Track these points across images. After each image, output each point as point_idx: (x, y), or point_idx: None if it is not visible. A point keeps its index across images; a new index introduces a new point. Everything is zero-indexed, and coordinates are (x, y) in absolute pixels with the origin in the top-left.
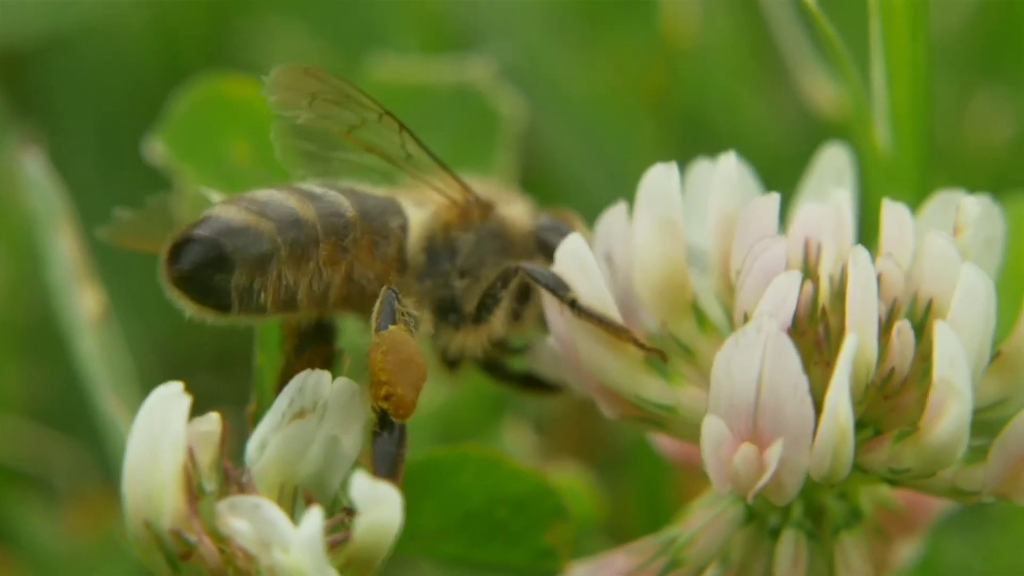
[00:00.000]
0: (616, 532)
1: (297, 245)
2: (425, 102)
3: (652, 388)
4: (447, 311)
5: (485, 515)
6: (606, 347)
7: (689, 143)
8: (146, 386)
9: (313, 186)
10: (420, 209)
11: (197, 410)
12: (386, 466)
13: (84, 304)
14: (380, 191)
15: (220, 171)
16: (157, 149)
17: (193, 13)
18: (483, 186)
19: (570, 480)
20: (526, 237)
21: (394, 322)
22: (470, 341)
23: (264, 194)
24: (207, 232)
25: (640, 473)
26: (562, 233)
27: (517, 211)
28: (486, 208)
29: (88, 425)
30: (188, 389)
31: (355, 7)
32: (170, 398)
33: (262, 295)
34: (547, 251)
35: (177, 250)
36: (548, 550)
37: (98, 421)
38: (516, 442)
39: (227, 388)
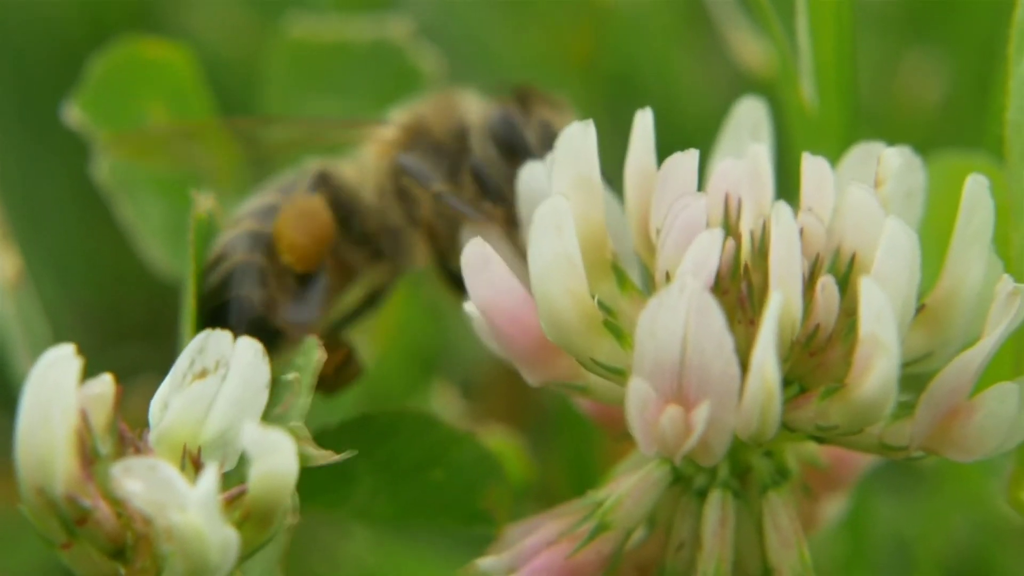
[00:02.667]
0: (545, 496)
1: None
2: (343, 60)
3: (605, 350)
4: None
5: (420, 477)
6: (569, 304)
7: (619, 104)
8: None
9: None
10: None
11: (124, 378)
12: (301, 314)
13: (1, 268)
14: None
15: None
16: (74, 113)
17: None
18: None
19: (499, 444)
20: (482, 137)
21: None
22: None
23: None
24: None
25: (568, 436)
26: (510, 127)
27: (472, 111)
28: (415, 130)
29: (5, 394)
30: (115, 357)
31: None
32: (61, 361)
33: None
34: (501, 147)
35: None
36: (483, 513)
37: (14, 388)
38: (445, 406)
39: (154, 356)
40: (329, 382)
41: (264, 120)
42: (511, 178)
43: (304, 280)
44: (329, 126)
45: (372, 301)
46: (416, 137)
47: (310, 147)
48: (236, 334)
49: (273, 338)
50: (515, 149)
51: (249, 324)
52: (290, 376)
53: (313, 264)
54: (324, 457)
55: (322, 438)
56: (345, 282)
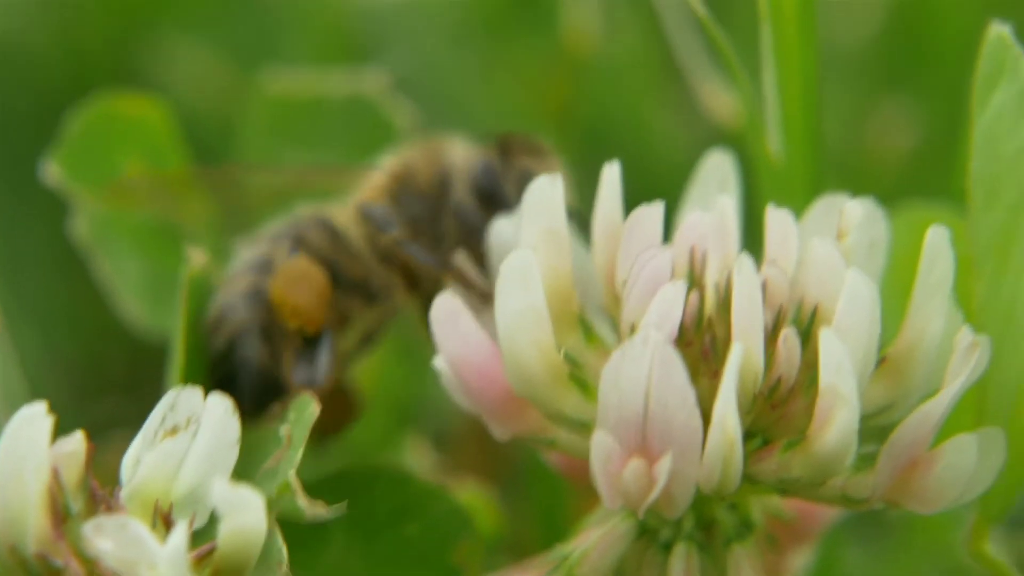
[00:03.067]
0: (516, 549)
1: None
2: (319, 114)
3: (571, 403)
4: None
5: (394, 532)
6: (535, 357)
7: (593, 154)
8: (52, 410)
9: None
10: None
11: (104, 432)
12: (309, 374)
13: None
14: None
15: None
16: (52, 170)
17: (97, 30)
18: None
19: (470, 497)
20: (463, 187)
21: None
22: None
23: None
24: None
25: (538, 489)
26: (490, 178)
27: (457, 158)
28: (401, 177)
29: None
30: (94, 411)
31: (257, 23)
32: (33, 419)
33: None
34: (481, 197)
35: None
36: (456, 568)
37: None
38: (417, 458)
39: (134, 410)
40: (329, 427)
41: (250, 168)
42: (486, 228)
43: (310, 341)
44: (317, 174)
45: (366, 343)
46: (403, 184)
47: (297, 195)
48: (246, 397)
49: (280, 394)
50: (494, 200)
51: (258, 387)
52: (282, 430)
53: (318, 323)
54: (315, 513)
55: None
56: (342, 330)
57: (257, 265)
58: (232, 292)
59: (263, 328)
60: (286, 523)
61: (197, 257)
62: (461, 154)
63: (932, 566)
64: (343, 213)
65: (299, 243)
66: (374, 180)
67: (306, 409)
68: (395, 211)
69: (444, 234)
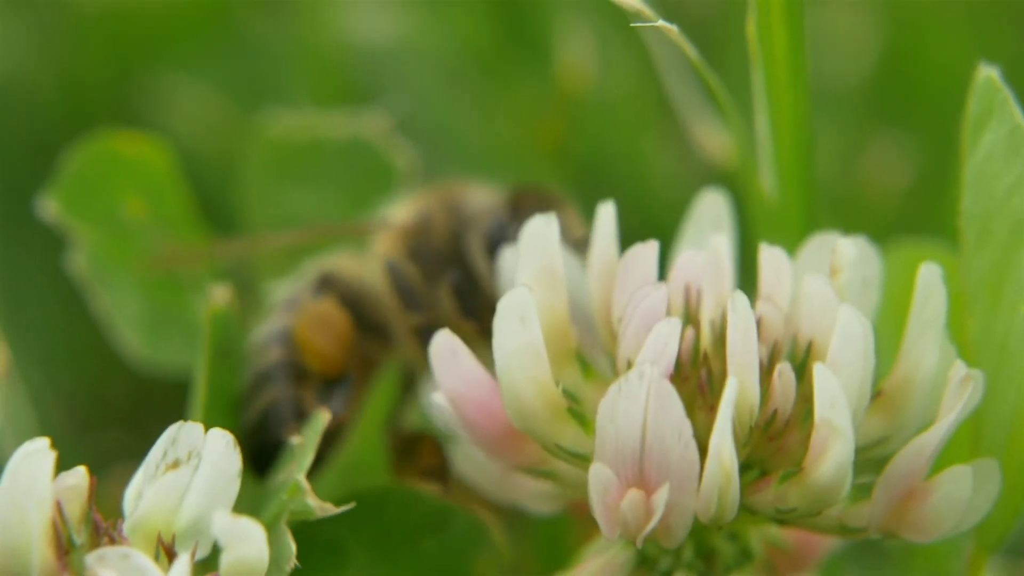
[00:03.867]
0: None
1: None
2: (319, 156)
3: (569, 436)
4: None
5: (412, 549)
6: (534, 392)
7: (589, 191)
8: (55, 443)
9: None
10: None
11: (106, 464)
12: (340, 402)
13: None
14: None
15: (114, 228)
16: (50, 207)
17: (96, 69)
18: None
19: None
20: (478, 247)
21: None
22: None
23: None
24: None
25: (540, 519)
26: (504, 236)
27: (473, 212)
28: (417, 231)
29: None
30: (95, 444)
31: (254, 64)
32: (35, 455)
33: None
34: (494, 259)
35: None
36: None
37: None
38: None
39: (135, 443)
40: (431, 471)
41: (265, 237)
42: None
43: (332, 382)
44: (325, 233)
45: (410, 384)
46: (419, 238)
47: (305, 253)
48: (276, 434)
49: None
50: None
51: (288, 425)
52: (295, 441)
53: (341, 366)
54: (324, 510)
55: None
56: (368, 372)
57: (281, 337)
58: (263, 332)
59: (296, 401)
60: (305, 543)
61: (219, 294)
62: (477, 207)
63: None
64: (356, 259)
65: (325, 284)
66: (392, 233)
67: (318, 420)
68: (409, 264)
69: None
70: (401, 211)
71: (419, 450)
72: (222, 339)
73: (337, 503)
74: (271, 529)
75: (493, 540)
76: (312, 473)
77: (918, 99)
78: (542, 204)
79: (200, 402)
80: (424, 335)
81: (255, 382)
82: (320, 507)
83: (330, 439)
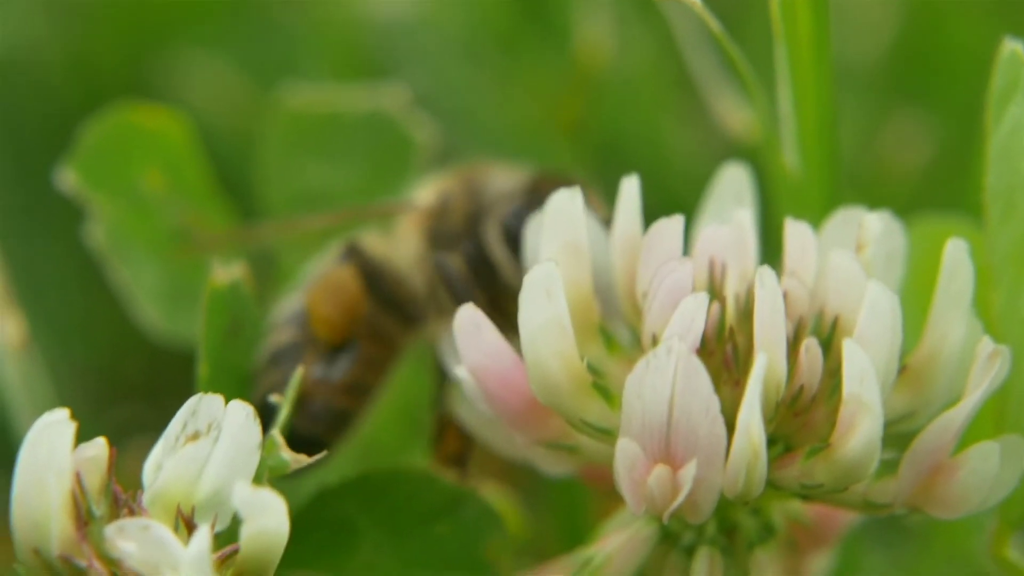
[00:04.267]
0: (536, 552)
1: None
2: (338, 129)
3: (594, 411)
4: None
5: (423, 531)
6: (559, 367)
7: (607, 169)
8: (72, 417)
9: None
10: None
11: (121, 438)
12: (338, 369)
13: (5, 332)
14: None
15: (133, 200)
16: (68, 179)
17: (111, 45)
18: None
19: (492, 501)
20: (496, 234)
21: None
22: None
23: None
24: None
25: (559, 494)
26: (520, 224)
27: (492, 196)
28: (438, 214)
29: (8, 455)
30: (112, 418)
31: (273, 38)
32: (56, 425)
33: None
34: (512, 247)
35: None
36: (487, 565)
37: (16, 448)
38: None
39: (151, 417)
40: (453, 456)
41: (285, 224)
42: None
43: (338, 350)
44: (351, 216)
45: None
46: (437, 220)
47: (331, 234)
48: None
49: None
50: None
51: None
52: (273, 398)
53: (345, 336)
54: (298, 461)
55: (322, 496)
56: (383, 350)
57: (307, 285)
58: (281, 311)
59: (305, 348)
60: (316, 521)
61: (222, 272)
62: (497, 190)
63: (951, 571)
64: (384, 238)
65: (350, 254)
66: (413, 215)
67: (296, 376)
68: (429, 249)
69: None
70: (424, 192)
71: (444, 435)
72: (231, 316)
73: (350, 483)
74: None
75: (505, 526)
76: (325, 455)
77: (938, 76)
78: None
79: (203, 380)
80: None
81: (268, 361)
82: (295, 459)
83: (339, 421)
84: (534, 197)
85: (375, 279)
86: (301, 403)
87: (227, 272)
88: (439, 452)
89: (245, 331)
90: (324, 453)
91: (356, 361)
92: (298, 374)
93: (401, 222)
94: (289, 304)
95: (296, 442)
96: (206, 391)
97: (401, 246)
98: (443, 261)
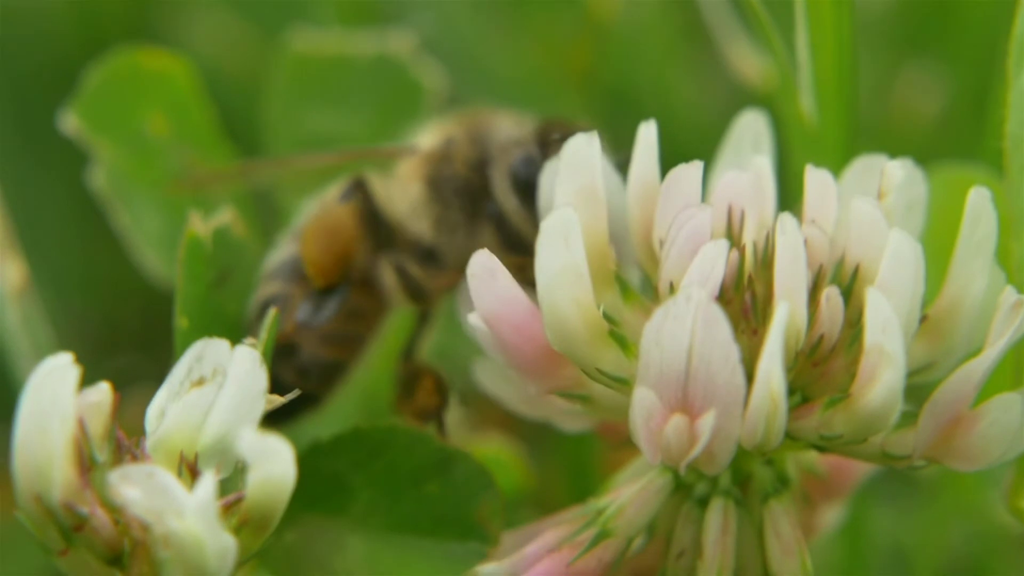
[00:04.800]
0: (543, 503)
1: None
2: (344, 74)
3: (610, 359)
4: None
5: (415, 490)
6: (575, 314)
7: (617, 118)
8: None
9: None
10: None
11: (121, 387)
12: (309, 317)
13: (5, 276)
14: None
15: (136, 144)
16: (71, 122)
17: None
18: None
19: (496, 452)
20: (503, 180)
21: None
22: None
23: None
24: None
25: (566, 444)
26: (532, 175)
27: (500, 142)
28: (440, 159)
29: (7, 401)
30: (111, 367)
31: None
32: (59, 370)
33: None
34: (521, 193)
35: None
36: (478, 526)
37: (17, 394)
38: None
39: (151, 366)
40: (426, 411)
41: (285, 161)
42: (533, 225)
43: (326, 292)
44: (353, 156)
45: (424, 320)
46: (440, 165)
47: (331, 175)
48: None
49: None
50: (532, 192)
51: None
52: (249, 341)
53: (334, 279)
54: (272, 402)
55: (315, 452)
56: (376, 303)
57: (305, 219)
58: (275, 259)
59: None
60: (309, 476)
61: (201, 220)
62: (504, 137)
63: (961, 524)
64: (385, 181)
65: (355, 190)
66: (415, 159)
67: (271, 318)
68: (427, 194)
69: (481, 230)
70: (427, 137)
71: (418, 386)
72: (216, 265)
73: (344, 439)
74: None
75: (497, 487)
76: (311, 409)
77: (950, 25)
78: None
79: (181, 333)
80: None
81: (258, 311)
82: (269, 399)
83: (328, 374)
84: (543, 144)
85: (374, 221)
86: (288, 354)
87: (208, 220)
88: (410, 405)
89: (235, 278)
90: (296, 393)
91: (343, 307)
92: (272, 315)
93: (402, 166)
94: (281, 252)
95: (285, 395)
96: (185, 344)
97: (401, 191)
98: (401, 266)
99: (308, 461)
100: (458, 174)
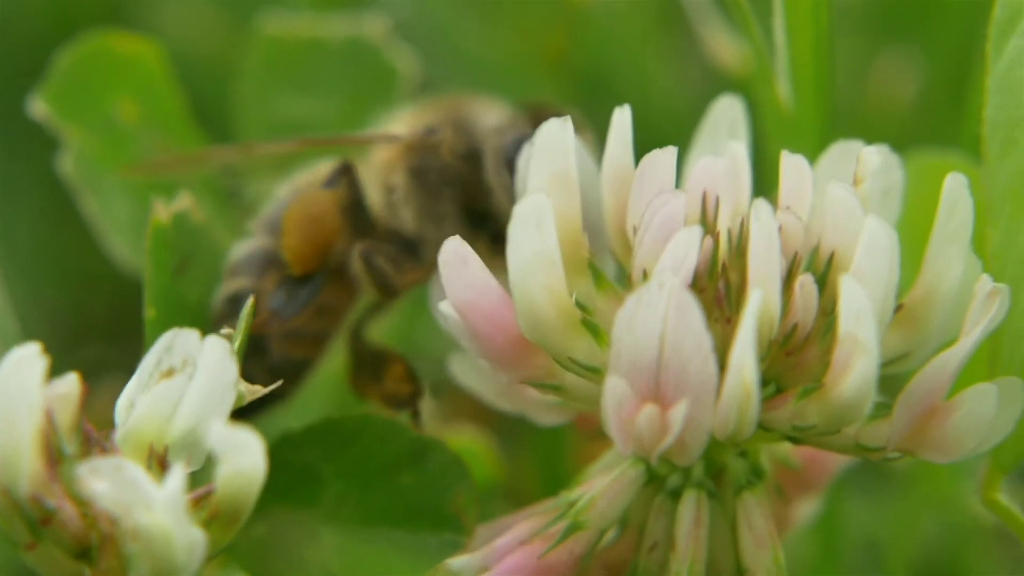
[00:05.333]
0: (515, 495)
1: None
2: (317, 58)
3: (582, 348)
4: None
5: (388, 481)
6: (548, 302)
7: (592, 103)
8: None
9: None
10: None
11: (90, 379)
12: (281, 305)
13: None
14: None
15: (106, 129)
16: (40, 107)
17: None
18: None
19: (468, 443)
20: (496, 163)
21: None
22: None
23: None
24: None
25: (538, 436)
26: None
27: (486, 128)
28: (422, 148)
29: None
30: (80, 358)
31: None
32: (26, 360)
33: None
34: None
35: None
36: (452, 518)
37: None
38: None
39: (120, 356)
40: (397, 397)
41: (252, 146)
42: None
43: (300, 281)
44: (330, 143)
45: (380, 302)
46: (423, 155)
47: (300, 161)
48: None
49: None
50: None
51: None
52: (224, 331)
53: (312, 267)
54: (253, 392)
55: (285, 442)
56: (348, 293)
57: (270, 225)
58: (244, 249)
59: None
60: (279, 466)
61: (164, 206)
62: (488, 123)
63: (934, 516)
64: (364, 168)
65: (343, 174)
66: (393, 147)
67: (247, 308)
68: (411, 184)
69: (477, 217)
70: (402, 124)
71: (386, 372)
72: (178, 252)
73: (315, 429)
74: None
75: (472, 478)
76: (278, 404)
77: (925, 12)
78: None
79: (151, 323)
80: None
81: (225, 306)
82: (250, 390)
83: (298, 372)
84: (536, 126)
85: (358, 210)
86: (258, 353)
87: (170, 206)
88: (379, 390)
89: (195, 266)
90: (266, 391)
91: (315, 300)
92: (249, 306)
93: (378, 155)
94: (250, 243)
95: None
96: (155, 335)
97: (380, 180)
98: (368, 254)
99: (278, 452)
100: (446, 163)
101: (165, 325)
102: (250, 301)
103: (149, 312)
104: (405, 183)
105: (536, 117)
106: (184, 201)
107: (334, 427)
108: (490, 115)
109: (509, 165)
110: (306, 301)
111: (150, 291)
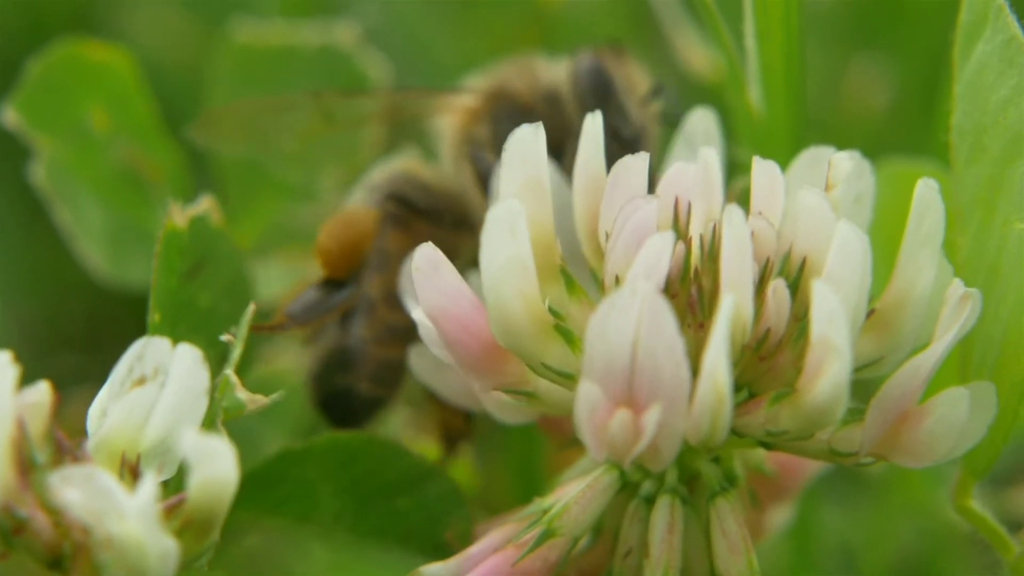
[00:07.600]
0: (489, 503)
1: None
2: (289, 65)
3: (555, 354)
4: None
5: (385, 504)
6: (521, 308)
7: None
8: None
9: None
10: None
11: (63, 388)
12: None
13: None
14: None
15: (78, 138)
16: (11, 115)
17: None
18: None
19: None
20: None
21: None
22: None
23: None
24: None
25: (513, 444)
26: (601, 75)
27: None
28: (497, 96)
29: None
30: (53, 367)
31: None
32: None
33: None
34: (598, 96)
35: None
36: (445, 545)
37: None
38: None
39: (93, 366)
40: (451, 432)
41: (344, 94)
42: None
43: (331, 285)
44: (407, 97)
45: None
46: (500, 103)
47: (387, 120)
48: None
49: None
50: (610, 95)
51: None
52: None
53: (334, 271)
54: (254, 402)
55: (285, 457)
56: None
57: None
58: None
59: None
60: (278, 484)
61: (180, 211)
62: (558, 68)
63: (909, 523)
64: (433, 167)
65: (384, 202)
66: (467, 102)
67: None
68: (495, 130)
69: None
70: (478, 81)
71: (448, 407)
72: (191, 257)
73: (315, 447)
74: (207, 431)
75: (468, 507)
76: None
77: (897, 20)
78: (619, 58)
79: (154, 327)
80: None
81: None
82: (251, 399)
83: (396, 370)
84: (604, 66)
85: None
86: (354, 363)
87: (185, 211)
88: (441, 423)
89: (208, 270)
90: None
91: (331, 307)
92: (250, 310)
93: (455, 115)
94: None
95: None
96: (159, 334)
97: (457, 137)
98: (479, 155)
99: (278, 466)
100: (526, 106)
101: (169, 330)
102: (251, 306)
103: (153, 316)
104: (489, 131)
105: (601, 58)
106: (204, 204)
107: (336, 445)
108: (553, 65)
109: (589, 88)
110: (326, 311)
111: (156, 295)
